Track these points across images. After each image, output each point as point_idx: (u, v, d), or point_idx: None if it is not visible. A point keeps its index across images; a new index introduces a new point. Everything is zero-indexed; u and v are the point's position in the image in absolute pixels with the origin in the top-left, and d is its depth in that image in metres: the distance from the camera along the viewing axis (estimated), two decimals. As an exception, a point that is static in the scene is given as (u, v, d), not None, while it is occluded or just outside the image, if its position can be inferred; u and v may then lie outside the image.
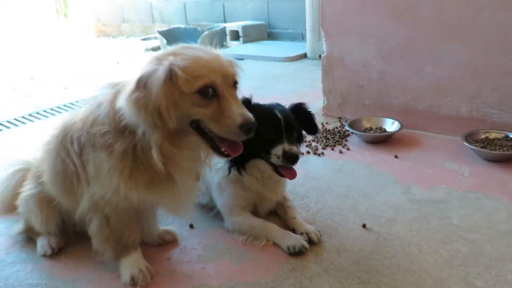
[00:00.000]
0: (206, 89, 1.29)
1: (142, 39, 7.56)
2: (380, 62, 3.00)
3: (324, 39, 3.22)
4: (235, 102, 1.34)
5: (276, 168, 1.77)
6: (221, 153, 1.41)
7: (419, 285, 1.56)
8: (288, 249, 1.74)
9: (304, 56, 5.60)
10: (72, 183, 1.55)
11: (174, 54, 1.33)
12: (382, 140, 2.83)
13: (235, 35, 6.69)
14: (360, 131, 2.91)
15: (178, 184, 1.48)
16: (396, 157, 2.61)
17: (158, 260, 1.78)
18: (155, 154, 1.35)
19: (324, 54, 3.25)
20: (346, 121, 3.08)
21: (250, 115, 1.34)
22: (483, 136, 2.63)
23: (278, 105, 1.87)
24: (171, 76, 1.26)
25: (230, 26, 6.71)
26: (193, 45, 1.42)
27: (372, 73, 3.06)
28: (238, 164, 1.80)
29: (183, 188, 1.50)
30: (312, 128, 1.92)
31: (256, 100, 1.82)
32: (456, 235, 1.83)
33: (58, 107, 4.06)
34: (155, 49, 6.98)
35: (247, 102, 1.75)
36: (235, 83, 1.40)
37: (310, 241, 1.79)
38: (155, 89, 1.25)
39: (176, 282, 1.65)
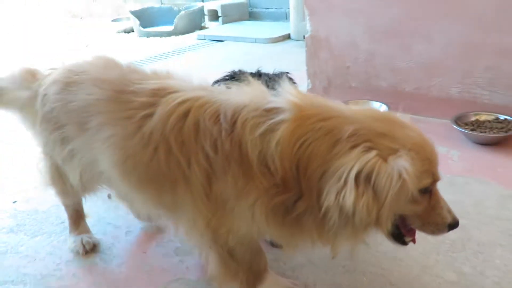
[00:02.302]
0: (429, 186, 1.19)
1: (112, 20, 7.44)
2: (368, 41, 3.02)
3: (308, 17, 3.23)
4: (441, 197, 1.26)
5: None
6: (403, 242, 1.35)
7: (406, 273, 1.61)
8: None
9: (288, 37, 5.59)
10: (173, 188, 1.25)
11: (386, 137, 1.12)
12: (369, 125, 2.86)
13: (214, 15, 6.63)
14: (346, 115, 2.93)
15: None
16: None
17: (133, 254, 1.79)
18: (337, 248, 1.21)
19: (308, 33, 3.26)
20: (332, 105, 3.10)
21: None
22: (473, 119, 2.69)
23: (278, 75, 1.89)
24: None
25: (209, 5, 6.65)
26: (391, 114, 1.23)
27: (359, 53, 3.09)
28: None
29: None
30: None
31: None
32: (444, 220, 1.89)
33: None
34: (127, 31, 6.88)
35: (258, 74, 1.82)
36: None
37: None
38: (389, 197, 1.08)
39: (152, 276, 1.66)
